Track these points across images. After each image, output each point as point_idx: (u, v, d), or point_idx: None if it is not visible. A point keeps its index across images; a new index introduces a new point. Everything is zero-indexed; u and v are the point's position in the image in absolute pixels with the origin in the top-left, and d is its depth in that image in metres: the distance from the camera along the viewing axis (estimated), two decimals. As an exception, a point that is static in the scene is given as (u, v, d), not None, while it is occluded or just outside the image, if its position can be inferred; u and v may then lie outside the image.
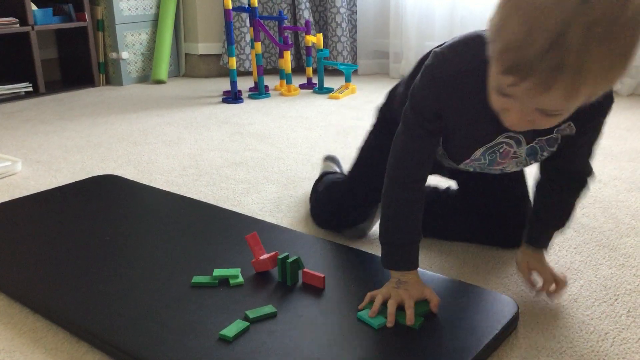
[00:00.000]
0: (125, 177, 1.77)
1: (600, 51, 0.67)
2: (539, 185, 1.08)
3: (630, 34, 0.68)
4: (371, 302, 0.98)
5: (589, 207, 1.47)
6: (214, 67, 3.54)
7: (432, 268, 1.19)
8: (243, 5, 3.08)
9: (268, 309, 0.99)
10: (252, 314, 0.97)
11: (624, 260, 1.21)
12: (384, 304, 0.97)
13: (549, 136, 0.96)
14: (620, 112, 2.38)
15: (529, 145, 0.97)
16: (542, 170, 1.07)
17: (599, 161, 1.74)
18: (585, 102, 0.76)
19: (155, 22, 3.45)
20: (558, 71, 0.68)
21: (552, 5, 0.67)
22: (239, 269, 1.12)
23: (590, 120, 0.93)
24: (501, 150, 0.98)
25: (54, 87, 3.25)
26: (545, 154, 1.00)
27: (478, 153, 0.99)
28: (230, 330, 0.93)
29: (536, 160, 1.02)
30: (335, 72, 3.34)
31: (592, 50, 0.67)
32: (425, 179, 1.01)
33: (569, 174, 1.03)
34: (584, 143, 0.98)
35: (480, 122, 0.92)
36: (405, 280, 0.98)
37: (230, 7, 2.74)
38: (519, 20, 0.69)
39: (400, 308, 0.96)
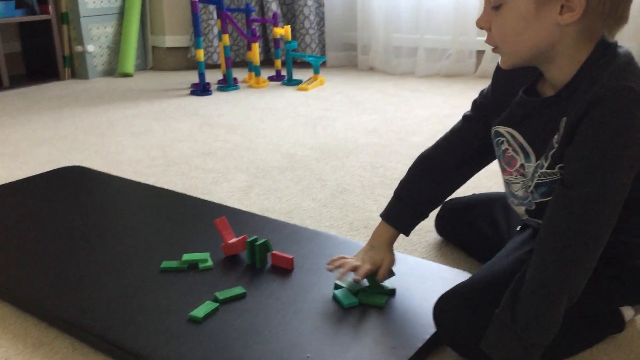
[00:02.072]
0: (93, 168, 1.76)
1: None
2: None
3: None
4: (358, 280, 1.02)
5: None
6: (181, 60, 3.51)
7: (397, 248, 1.22)
8: (210, -2, 3.07)
9: (237, 290, 1.00)
10: (221, 295, 0.98)
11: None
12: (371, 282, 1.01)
13: (553, 151, 0.83)
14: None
15: (537, 163, 0.86)
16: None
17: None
18: None
19: (121, 14, 3.42)
20: None
21: None
22: (208, 253, 1.13)
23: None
24: (504, 149, 0.92)
25: (18, 81, 3.19)
26: (537, 175, 0.86)
27: (492, 132, 0.95)
28: (199, 311, 0.94)
29: (540, 193, 0.87)
30: (304, 64, 3.35)
31: None
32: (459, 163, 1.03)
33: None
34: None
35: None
36: (375, 245, 1.03)
37: (197, -1, 2.73)
38: None
39: (371, 287, 1.00)
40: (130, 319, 0.95)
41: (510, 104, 0.90)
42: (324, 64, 3.35)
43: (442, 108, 2.42)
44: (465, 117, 1.03)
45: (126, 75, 3.36)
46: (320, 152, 1.90)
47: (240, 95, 2.80)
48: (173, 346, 0.88)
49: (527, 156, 0.88)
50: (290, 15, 3.41)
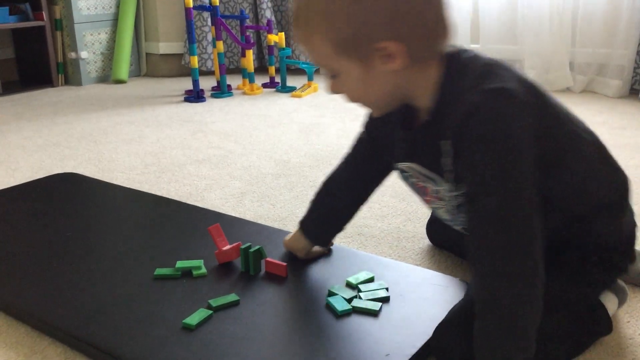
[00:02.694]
0: (86, 175, 1.75)
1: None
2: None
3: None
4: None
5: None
6: (175, 66, 3.52)
7: (390, 255, 1.22)
8: (204, 4, 3.08)
9: (231, 297, 1.00)
10: (215, 302, 0.98)
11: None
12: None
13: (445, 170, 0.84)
14: (573, 107, 2.45)
15: (445, 186, 0.87)
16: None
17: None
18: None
19: (115, 21, 3.42)
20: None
21: None
22: (202, 261, 1.12)
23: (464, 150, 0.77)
24: (413, 181, 0.93)
25: (11, 88, 3.19)
26: (448, 196, 0.87)
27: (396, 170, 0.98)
28: (193, 319, 0.94)
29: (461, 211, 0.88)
30: (298, 71, 3.36)
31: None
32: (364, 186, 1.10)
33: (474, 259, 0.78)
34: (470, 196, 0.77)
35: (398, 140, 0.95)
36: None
37: (191, 6, 2.74)
38: None
39: (365, 294, 1.00)
40: (123, 326, 0.95)
41: (391, 137, 0.93)
42: (317, 70, 3.35)
43: (436, 115, 2.43)
44: (358, 140, 1.09)
45: (120, 81, 3.36)
46: (314, 159, 1.90)
47: (234, 102, 2.80)
48: (166, 354, 0.87)
49: (435, 182, 0.88)
50: (285, 22, 3.42)
